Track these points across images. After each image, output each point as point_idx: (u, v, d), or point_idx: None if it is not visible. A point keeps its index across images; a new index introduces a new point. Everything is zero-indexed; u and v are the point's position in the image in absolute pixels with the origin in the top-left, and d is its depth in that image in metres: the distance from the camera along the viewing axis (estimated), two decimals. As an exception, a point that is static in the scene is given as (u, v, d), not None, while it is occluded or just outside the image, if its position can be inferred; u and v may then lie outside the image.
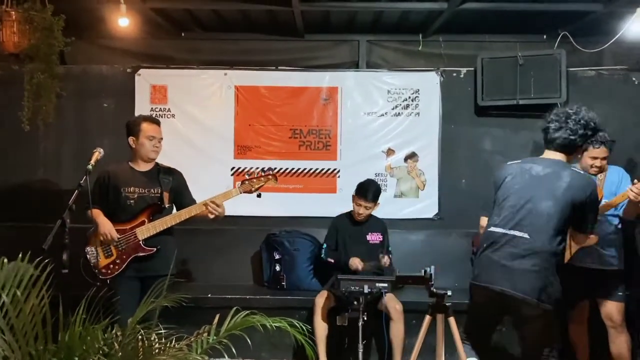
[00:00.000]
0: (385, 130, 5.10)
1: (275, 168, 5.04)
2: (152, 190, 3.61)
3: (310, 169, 5.07)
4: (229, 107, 5.06)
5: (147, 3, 4.62)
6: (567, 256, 3.53)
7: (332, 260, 4.22)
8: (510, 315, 2.78)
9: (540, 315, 2.67)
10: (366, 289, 3.45)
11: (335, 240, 4.32)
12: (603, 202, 3.62)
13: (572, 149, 2.78)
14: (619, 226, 3.77)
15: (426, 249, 4.86)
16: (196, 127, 5.06)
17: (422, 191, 5.08)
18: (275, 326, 2.37)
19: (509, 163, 2.93)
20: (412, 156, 5.11)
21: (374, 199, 4.16)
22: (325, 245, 4.35)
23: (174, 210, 3.67)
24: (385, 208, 4.69)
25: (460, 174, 5.13)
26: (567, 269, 3.51)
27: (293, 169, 5.09)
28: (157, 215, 3.56)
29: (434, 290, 2.61)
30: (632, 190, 3.37)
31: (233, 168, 5.06)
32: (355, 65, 5.19)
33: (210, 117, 5.07)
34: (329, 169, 5.08)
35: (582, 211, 2.73)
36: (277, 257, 4.72)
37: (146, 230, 3.52)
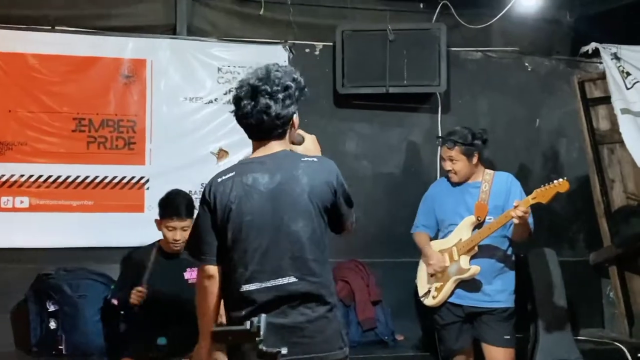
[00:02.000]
0: (216, 123, 4.75)
1: (50, 176, 4.50)
2: None
3: (105, 178, 4.60)
4: (-25, 84, 4.48)
5: None
6: (442, 295, 3.73)
7: (116, 302, 3.88)
8: None
9: None
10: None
11: (130, 282, 3.83)
12: (488, 220, 3.64)
13: (284, 129, 2.47)
14: (509, 251, 3.74)
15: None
16: None
17: (263, 207, 4.72)
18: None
19: (220, 179, 2.45)
20: (252, 160, 4.72)
21: (189, 213, 3.76)
22: (114, 287, 4.05)
23: None
24: None
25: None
26: (445, 307, 3.73)
27: (78, 177, 4.55)
28: None
29: (264, 349, 2.24)
30: (515, 213, 3.42)
31: (-16, 177, 4.54)
32: (171, 31, 4.80)
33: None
34: (133, 178, 4.65)
35: (336, 207, 2.50)
36: (51, 308, 4.27)
37: None
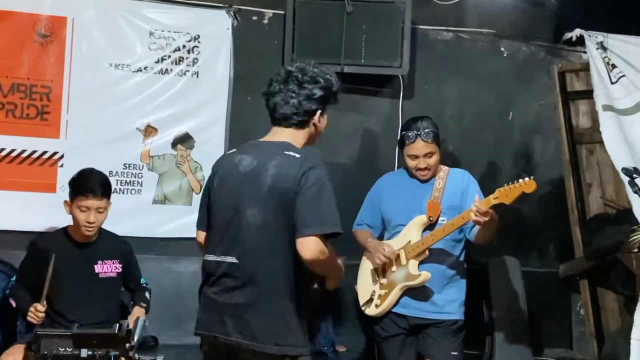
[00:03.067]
0: (144, 96, 4.78)
1: (-51, 145, 4.47)
2: None
3: (13, 151, 4.58)
4: None
5: None
6: (386, 304, 3.70)
7: (14, 303, 3.84)
8: None
9: None
10: (84, 353, 3.03)
11: (35, 272, 3.78)
12: (441, 222, 3.66)
13: (300, 120, 2.83)
14: (462, 258, 3.75)
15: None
16: None
17: (197, 195, 4.79)
18: None
19: (227, 153, 2.98)
20: (184, 140, 4.87)
21: (106, 193, 3.79)
22: (14, 278, 3.97)
23: None
24: (137, 221, 4.60)
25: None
26: (388, 317, 3.73)
27: None
28: None
29: (136, 357, 2.51)
30: (473, 211, 3.39)
31: None
32: (98, -14, 4.71)
33: None
34: (45, 153, 4.64)
35: (294, 207, 2.69)
36: (-59, 299, 4.16)
37: None
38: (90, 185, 3.70)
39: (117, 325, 2.45)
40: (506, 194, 3.41)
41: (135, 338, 2.44)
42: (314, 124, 2.81)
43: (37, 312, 3.58)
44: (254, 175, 2.76)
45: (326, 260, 2.67)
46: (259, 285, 2.70)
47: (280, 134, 2.82)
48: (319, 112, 2.80)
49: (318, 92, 2.78)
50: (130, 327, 2.50)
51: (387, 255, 3.66)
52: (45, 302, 3.58)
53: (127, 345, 2.40)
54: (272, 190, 2.69)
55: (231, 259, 2.76)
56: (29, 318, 3.59)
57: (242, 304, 2.72)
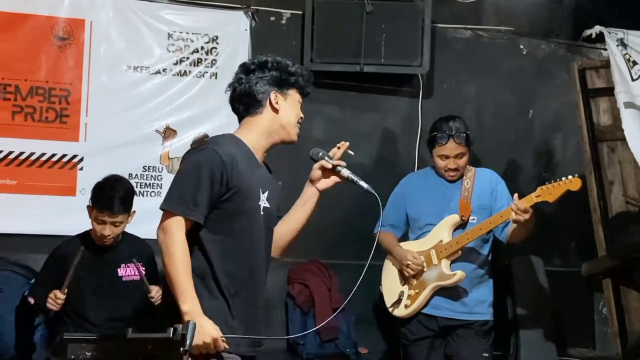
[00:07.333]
0: (163, 98, 4.81)
1: (-31, 149, 4.51)
2: None
3: (32, 154, 4.60)
4: None
5: None
6: (417, 304, 3.68)
7: (33, 300, 3.84)
8: None
9: None
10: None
11: (56, 277, 3.79)
12: (473, 222, 3.68)
13: (242, 109, 2.76)
14: (489, 257, 3.78)
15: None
16: None
17: (216, 196, 4.76)
18: None
19: None
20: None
21: (124, 208, 3.77)
22: (33, 281, 4.03)
23: None
24: (157, 223, 4.44)
25: (276, 171, 4.81)
26: (417, 319, 3.73)
27: (0, 152, 4.54)
28: None
29: None
30: (513, 209, 3.42)
31: None
32: (116, -12, 4.76)
33: None
34: (64, 156, 4.65)
35: None
36: (-38, 303, 4.17)
37: None
38: (107, 200, 3.70)
39: (172, 329, 2.43)
40: (549, 191, 3.43)
41: (188, 342, 2.42)
42: (271, 106, 2.67)
43: (56, 298, 3.58)
44: None
45: (163, 242, 2.48)
46: None
47: (238, 128, 2.76)
48: (272, 92, 2.66)
49: (267, 74, 2.67)
50: (184, 331, 2.48)
51: (413, 269, 3.68)
52: (65, 290, 3.62)
53: (182, 349, 2.40)
54: None
55: None
56: (48, 304, 3.62)
57: None
